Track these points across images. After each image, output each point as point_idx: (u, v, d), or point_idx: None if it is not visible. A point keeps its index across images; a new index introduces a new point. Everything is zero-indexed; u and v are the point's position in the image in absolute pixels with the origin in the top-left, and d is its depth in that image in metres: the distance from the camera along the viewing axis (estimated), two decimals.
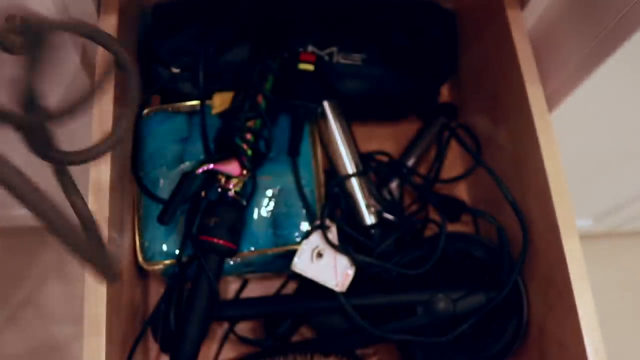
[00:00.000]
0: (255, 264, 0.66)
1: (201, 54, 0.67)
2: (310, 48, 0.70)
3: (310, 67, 0.66)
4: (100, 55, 0.58)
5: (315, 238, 0.63)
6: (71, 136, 0.85)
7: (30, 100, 0.36)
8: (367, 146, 0.80)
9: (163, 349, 0.62)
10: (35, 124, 0.37)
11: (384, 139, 0.81)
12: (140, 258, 0.63)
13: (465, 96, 0.79)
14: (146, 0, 0.71)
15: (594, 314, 0.53)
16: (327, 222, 0.64)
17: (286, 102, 0.65)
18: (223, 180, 0.61)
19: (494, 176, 0.63)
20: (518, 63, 0.61)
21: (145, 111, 0.68)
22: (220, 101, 0.67)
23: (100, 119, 0.56)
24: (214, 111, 0.67)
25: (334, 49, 0.71)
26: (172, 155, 0.65)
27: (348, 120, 0.71)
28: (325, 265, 0.63)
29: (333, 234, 0.64)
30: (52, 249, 1.24)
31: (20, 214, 1.10)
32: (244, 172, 0.62)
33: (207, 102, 0.68)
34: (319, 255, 0.63)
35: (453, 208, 0.76)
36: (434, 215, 0.75)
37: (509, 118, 0.65)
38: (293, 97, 0.65)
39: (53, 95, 0.73)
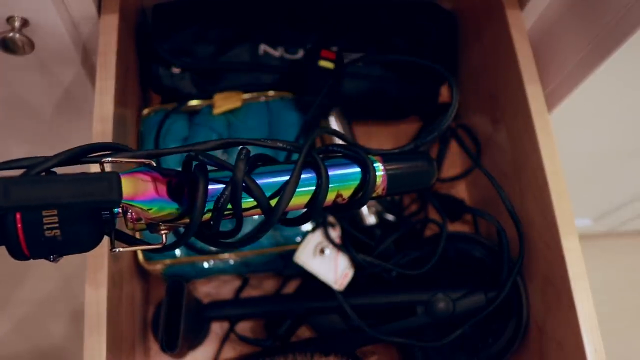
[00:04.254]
0: (255, 264, 0.66)
1: (201, 54, 0.67)
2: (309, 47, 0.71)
3: (330, 65, 0.66)
4: (101, 55, 0.58)
5: (320, 234, 0.64)
6: (71, 136, 0.85)
7: None
8: (367, 146, 0.80)
9: (163, 349, 0.62)
10: None
11: (384, 139, 0.81)
12: (140, 257, 0.63)
13: (465, 96, 0.79)
14: (146, 0, 0.71)
15: (593, 313, 0.53)
16: (332, 220, 0.64)
17: (300, 99, 0.64)
18: None
19: (493, 181, 0.63)
20: (517, 63, 0.61)
21: (145, 111, 0.68)
22: (221, 101, 0.67)
23: (100, 119, 0.56)
24: (215, 111, 0.67)
25: (334, 49, 0.71)
26: (172, 155, 0.65)
27: (349, 120, 0.71)
28: (326, 261, 0.63)
29: (336, 233, 0.64)
30: None
31: None
32: None
33: (208, 102, 0.68)
34: (322, 251, 0.63)
35: (453, 208, 0.76)
36: (433, 215, 0.75)
37: (508, 118, 0.65)
38: (308, 93, 0.64)
39: (53, 95, 0.74)
